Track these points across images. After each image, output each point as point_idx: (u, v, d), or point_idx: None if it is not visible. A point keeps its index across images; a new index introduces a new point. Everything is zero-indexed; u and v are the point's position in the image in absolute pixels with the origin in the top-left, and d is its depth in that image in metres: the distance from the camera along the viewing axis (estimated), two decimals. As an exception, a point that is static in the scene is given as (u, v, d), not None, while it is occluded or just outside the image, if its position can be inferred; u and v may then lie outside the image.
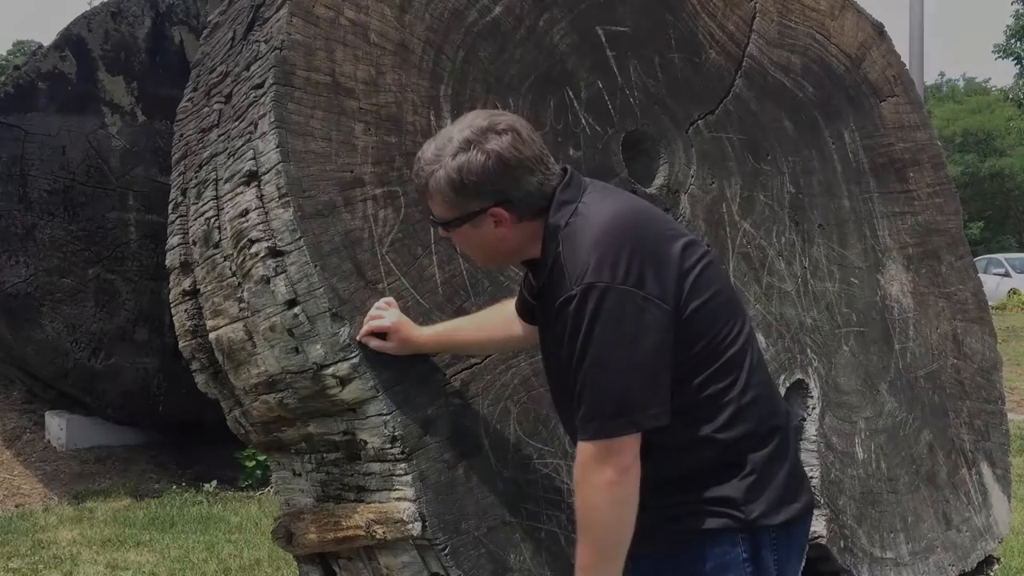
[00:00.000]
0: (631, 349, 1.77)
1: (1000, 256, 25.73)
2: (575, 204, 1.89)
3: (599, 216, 1.86)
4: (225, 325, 2.39)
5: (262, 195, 2.26)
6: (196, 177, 2.53)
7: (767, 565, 1.87)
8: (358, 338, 2.20)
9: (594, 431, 1.77)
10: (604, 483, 1.76)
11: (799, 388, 3.11)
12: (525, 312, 2.23)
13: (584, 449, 1.79)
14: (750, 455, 1.88)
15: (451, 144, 1.88)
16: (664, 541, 1.88)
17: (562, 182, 1.93)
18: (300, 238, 2.19)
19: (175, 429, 6.87)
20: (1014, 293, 20.98)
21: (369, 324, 2.21)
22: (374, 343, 2.21)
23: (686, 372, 1.85)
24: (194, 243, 2.48)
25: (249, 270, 2.28)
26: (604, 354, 1.76)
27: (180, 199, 2.60)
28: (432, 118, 2.48)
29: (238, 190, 2.32)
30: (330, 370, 2.22)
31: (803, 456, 2.95)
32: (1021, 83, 30.04)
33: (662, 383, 1.80)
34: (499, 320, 2.28)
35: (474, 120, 1.89)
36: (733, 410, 1.88)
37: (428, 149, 1.92)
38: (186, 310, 2.56)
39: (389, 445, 2.22)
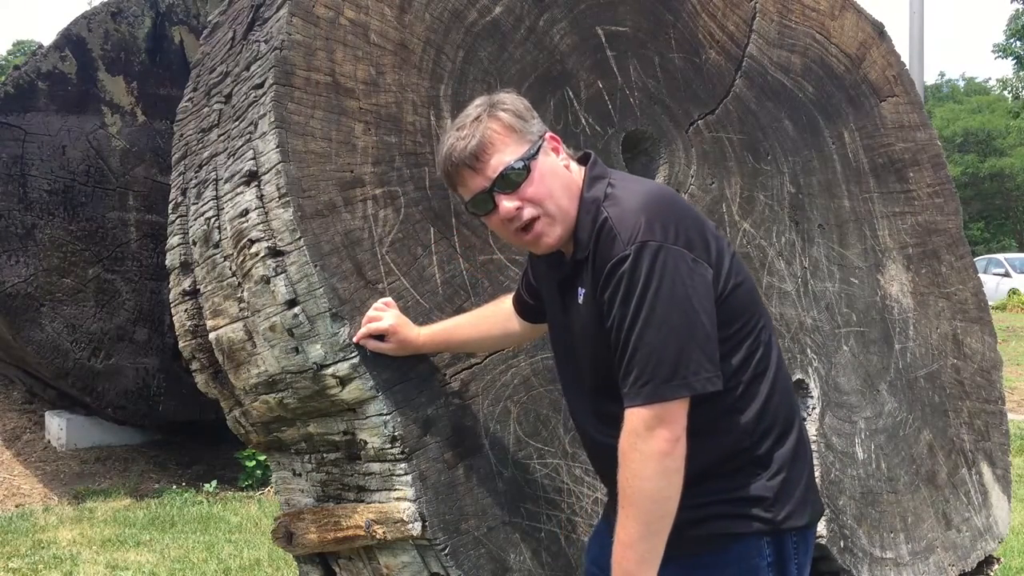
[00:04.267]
0: (685, 310, 1.73)
1: (1000, 256, 25.74)
2: (607, 179, 1.90)
3: (638, 188, 1.87)
4: (225, 325, 2.39)
5: (262, 195, 2.26)
6: (196, 177, 2.53)
7: (790, 570, 1.86)
8: (356, 339, 2.20)
9: (648, 394, 1.71)
10: (655, 452, 1.70)
11: (799, 388, 3.11)
12: (524, 310, 2.23)
13: (635, 415, 1.72)
14: (776, 452, 1.86)
15: (478, 105, 1.89)
16: (691, 544, 1.82)
17: (589, 161, 1.94)
18: (300, 238, 2.19)
19: (175, 429, 6.88)
20: (1014, 293, 20.98)
21: (367, 326, 2.21)
22: (372, 344, 2.20)
23: (723, 352, 1.81)
24: (194, 243, 2.48)
25: (249, 270, 2.27)
26: (659, 314, 1.71)
27: (180, 199, 2.60)
28: (432, 118, 2.48)
29: (238, 190, 2.32)
30: (330, 370, 2.22)
31: (803, 456, 2.95)
32: (1021, 75, 30.06)
33: (713, 347, 1.76)
34: (497, 317, 2.27)
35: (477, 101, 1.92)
36: (763, 400, 1.86)
37: (456, 130, 1.87)
38: (186, 310, 2.56)
39: (389, 445, 2.22)
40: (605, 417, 1.88)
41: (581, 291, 1.87)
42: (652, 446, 1.70)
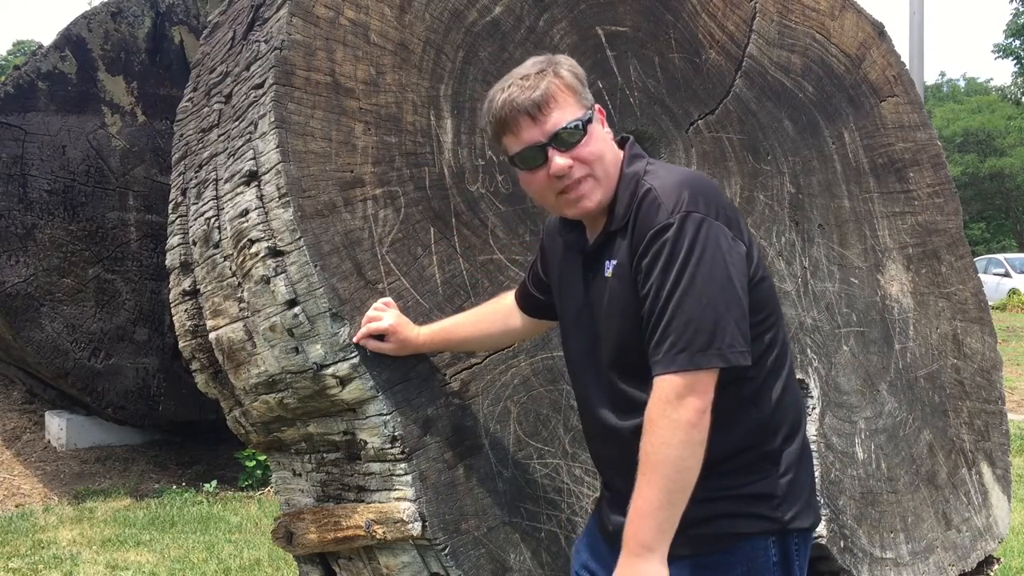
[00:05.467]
0: (724, 283, 1.73)
1: (1000, 256, 25.75)
2: (646, 159, 1.92)
3: (677, 169, 1.90)
4: (225, 325, 2.39)
5: (262, 195, 2.26)
6: (196, 177, 2.53)
7: (794, 570, 1.86)
8: (356, 340, 2.20)
9: (683, 362, 1.70)
10: (684, 421, 1.69)
11: (799, 388, 3.11)
12: (527, 305, 2.23)
13: (667, 383, 1.71)
14: (785, 451, 1.86)
15: (539, 61, 1.88)
16: (697, 543, 1.80)
17: (627, 142, 1.96)
18: (300, 238, 2.19)
19: (175, 429, 6.88)
20: (1014, 293, 21.00)
21: (367, 326, 2.20)
22: (372, 344, 2.20)
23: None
24: (194, 243, 2.48)
25: (249, 270, 2.28)
26: (699, 283, 1.71)
27: (180, 199, 2.60)
28: (432, 118, 2.48)
29: (238, 190, 2.32)
30: (330, 370, 2.22)
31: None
32: (1019, 81, 30.05)
33: (746, 324, 1.76)
34: (496, 314, 2.27)
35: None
36: (777, 397, 1.86)
37: (520, 79, 1.86)
38: (186, 310, 2.56)
39: (389, 445, 2.22)
40: (622, 401, 1.87)
41: (610, 263, 1.86)
42: (681, 414, 1.69)
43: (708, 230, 1.74)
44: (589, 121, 1.86)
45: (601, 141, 1.88)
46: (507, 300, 2.29)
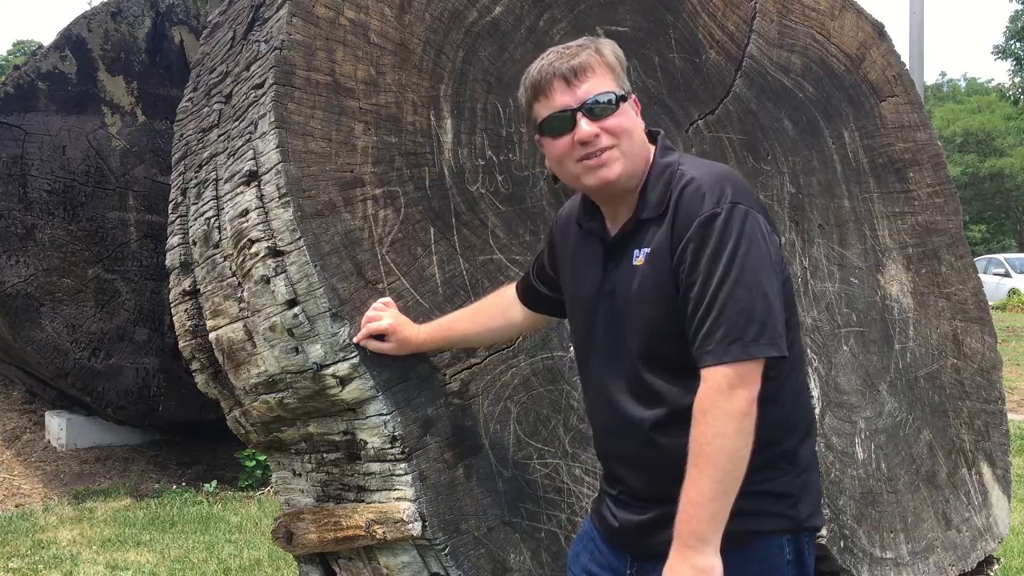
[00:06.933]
0: (770, 275, 1.74)
1: (1000, 256, 25.77)
2: (677, 153, 1.92)
3: (711, 163, 1.90)
4: (225, 325, 2.39)
5: (262, 195, 2.26)
6: (196, 177, 2.53)
7: (808, 570, 1.85)
8: (355, 340, 2.20)
9: (736, 352, 1.69)
10: (737, 411, 1.68)
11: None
12: (529, 297, 2.21)
13: (719, 373, 1.70)
14: (800, 450, 1.85)
15: (584, 39, 1.89)
16: None
17: (658, 136, 1.95)
18: (300, 238, 2.19)
19: (175, 429, 6.88)
20: (1014, 293, 21.01)
21: (367, 327, 2.20)
22: (373, 345, 2.20)
23: None
24: (194, 243, 2.48)
25: (249, 270, 2.28)
26: (749, 274, 1.71)
27: (180, 199, 2.60)
28: (432, 118, 2.48)
29: (238, 190, 2.32)
30: (330, 370, 2.22)
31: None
32: (1018, 80, 30.03)
33: (784, 317, 1.77)
34: (496, 308, 2.26)
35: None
36: (795, 397, 1.87)
37: (562, 48, 1.86)
38: (186, 310, 2.56)
39: (389, 445, 2.22)
40: (644, 391, 1.85)
41: (641, 251, 1.85)
42: (734, 404, 1.69)
43: (753, 222, 1.75)
44: (623, 99, 1.86)
45: (632, 120, 1.87)
46: (507, 293, 2.28)
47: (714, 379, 1.71)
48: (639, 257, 1.85)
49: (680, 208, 1.79)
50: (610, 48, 1.89)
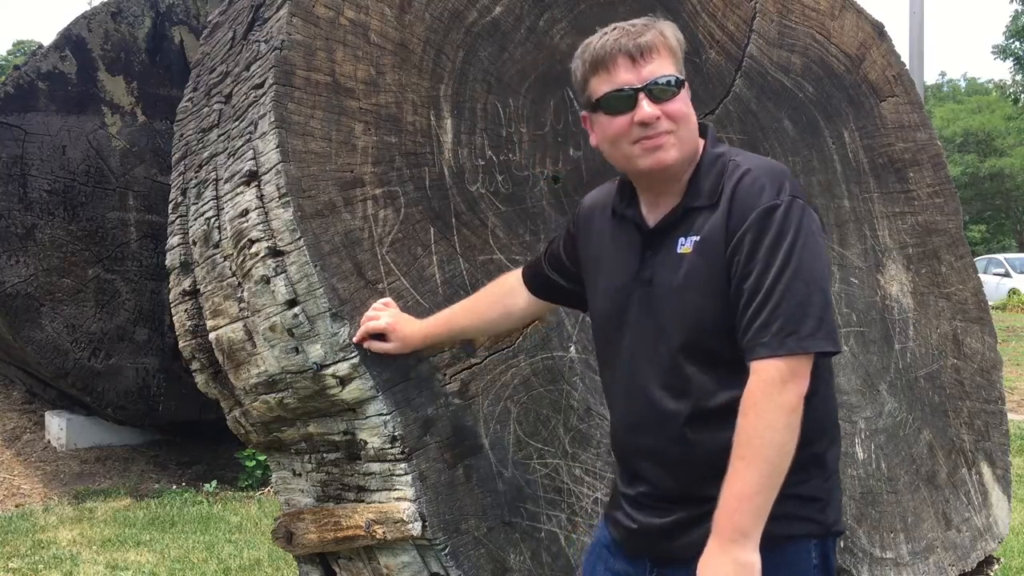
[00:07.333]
0: (824, 271, 1.73)
1: (1000, 256, 25.77)
2: (727, 145, 1.90)
3: (761, 156, 1.89)
4: (225, 325, 2.39)
5: (262, 195, 2.26)
6: (196, 177, 2.53)
7: (832, 574, 1.83)
8: (355, 340, 2.19)
9: (791, 346, 1.67)
10: (788, 405, 1.66)
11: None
12: (537, 284, 2.16)
13: (773, 366, 1.67)
14: (828, 454, 1.82)
15: (647, 19, 1.84)
16: None
17: (708, 129, 1.92)
18: (300, 238, 2.19)
19: (175, 429, 6.88)
20: (1014, 293, 21.01)
21: (365, 326, 2.19)
22: (375, 345, 2.19)
23: None
24: (194, 243, 2.48)
25: (249, 270, 2.28)
26: (806, 267, 1.69)
27: (180, 199, 2.60)
28: (432, 118, 2.48)
29: (238, 190, 2.32)
30: (330, 370, 2.22)
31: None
32: (1018, 79, 30.01)
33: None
34: (493, 296, 2.22)
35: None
36: (826, 400, 1.84)
37: (629, 25, 1.82)
38: (186, 310, 2.56)
39: (389, 445, 2.22)
40: (680, 382, 1.80)
41: (689, 239, 1.80)
42: (786, 398, 1.66)
43: (809, 218, 1.74)
44: (683, 84, 1.83)
45: (689, 107, 1.84)
46: (507, 282, 2.23)
47: (767, 372, 1.68)
48: (685, 245, 1.80)
49: (737, 198, 1.76)
50: (672, 31, 1.85)
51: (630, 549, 1.91)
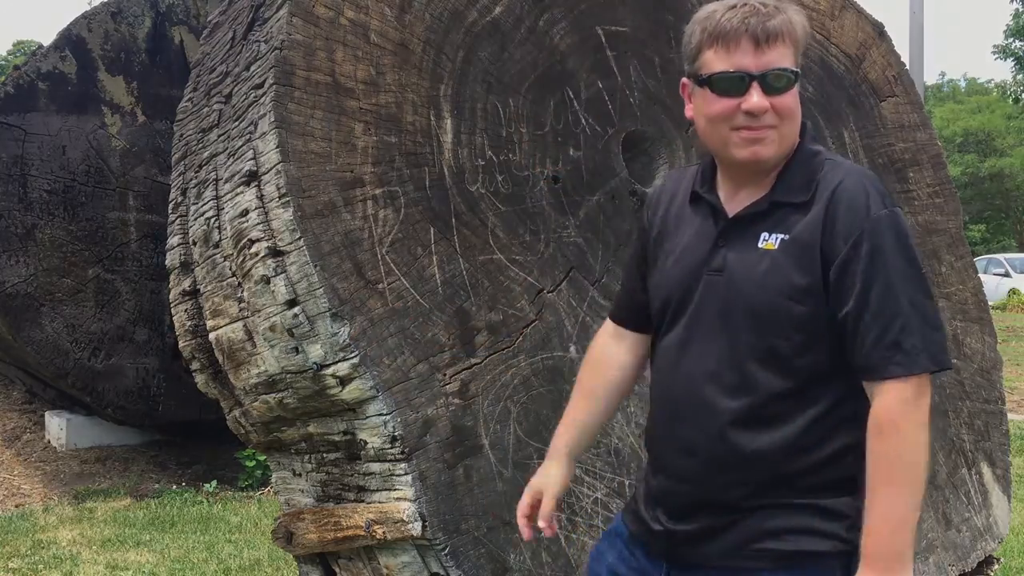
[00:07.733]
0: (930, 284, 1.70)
1: (1000, 256, 25.75)
2: (821, 145, 1.84)
3: (855, 163, 1.85)
4: (225, 325, 2.39)
5: (262, 195, 2.26)
6: (196, 177, 2.53)
7: None
8: (526, 539, 1.96)
9: (926, 363, 1.63)
10: (923, 423, 1.62)
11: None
12: (638, 318, 1.97)
13: (906, 386, 1.62)
14: (860, 473, 1.72)
15: (778, 4, 1.74)
16: (766, 559, 1.70)
17: (805, 127, 1.84)
18: (300, 238, 2.19)
19: (175, 429, 6.88)
20: (1014, 293, 21.00)
21: (520, 515, 1.96)
22: (542, 522, 1.94)
23: None
24: (194, 243, 2.48)
25: (249, 270, 2.28)
26: (923, 283, 1.66)
27: (180, 199, 2.60)
28: (432, 118, 2.48)
29: (238, 190, 2.32)
30: (330, 370, 2.22)
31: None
32: (1019, 78, 29.98)
33: None
34: (597, 368, 2.02)
35: None
36: (866, 414, 1.73)
37: (759, 3, 1.71)
38: (186, 310, 2.56)
39: (389, 445, 2.22)
40: (735, 379, 1.72)
41: (773, 236, 1.73)
42: (920, 416, 1.62)
43: (909, 230, 1.70)
44: (797, 78, 1.75)
45: (798, 103, 1.75)
46: (596, 346, 2.04)
47: (902, 390, 1.63)
48: (769, 240, 1.73)
49: (840, 202, 1.69)
50: (801, 20, 1.76)
51: (648, 549, 1.85)
